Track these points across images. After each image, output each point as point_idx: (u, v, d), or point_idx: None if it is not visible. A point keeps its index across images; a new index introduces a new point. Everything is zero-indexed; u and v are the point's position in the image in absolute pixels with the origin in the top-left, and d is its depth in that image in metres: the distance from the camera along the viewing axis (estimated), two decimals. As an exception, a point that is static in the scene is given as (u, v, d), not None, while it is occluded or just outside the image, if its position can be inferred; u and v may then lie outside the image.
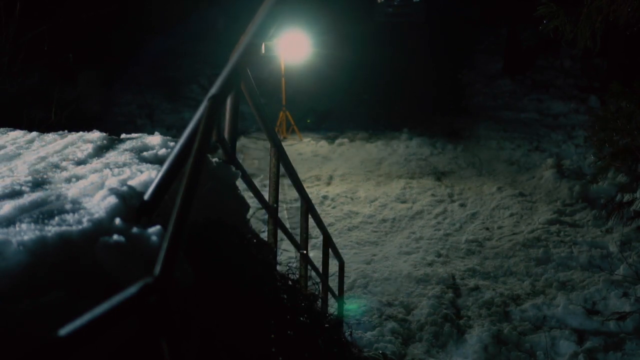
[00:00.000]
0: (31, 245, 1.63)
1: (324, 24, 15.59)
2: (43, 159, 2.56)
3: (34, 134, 3.10)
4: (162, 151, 2.66)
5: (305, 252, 4.19)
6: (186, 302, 1.69)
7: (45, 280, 1.56)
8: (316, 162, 12.17)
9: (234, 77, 2.01)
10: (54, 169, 2.45)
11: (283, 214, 9.01)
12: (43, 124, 7.16)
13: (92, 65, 13.61)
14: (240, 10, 12.26)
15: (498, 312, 6.96)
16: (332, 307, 5.91)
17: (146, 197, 1.96)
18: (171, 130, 12.75)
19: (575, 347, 6.22)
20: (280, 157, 3.59)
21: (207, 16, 18.75)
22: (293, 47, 12.93)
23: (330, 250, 5.35)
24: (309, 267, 4.33)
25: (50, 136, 3.02)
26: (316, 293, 3.77)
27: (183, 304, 1.63)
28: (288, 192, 9.08)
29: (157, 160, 2.56)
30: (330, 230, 7.22)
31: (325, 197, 10.33)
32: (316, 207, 4.92)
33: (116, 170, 2.37)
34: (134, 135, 2.98)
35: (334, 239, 6.49)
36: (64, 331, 1.06)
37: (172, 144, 2.77)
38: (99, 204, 1.97)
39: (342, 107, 14.92)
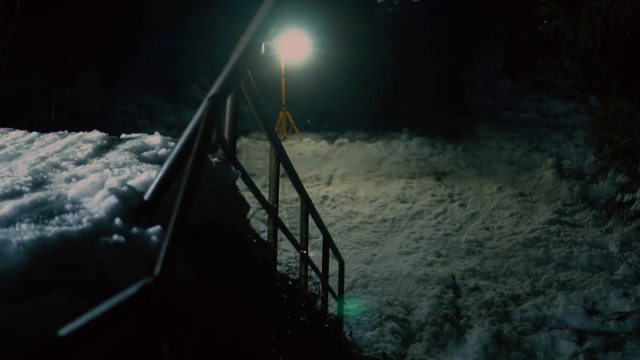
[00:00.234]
0: (31, 245, 1.63)
1: (324, 24, 15.59)
2: (43, 159, 2.56)
3: (34, 134, 3.10)
4: (162, 151, 2.66)
5: (305, 252, 4.19)
6: (186, 302, 1.69)
7: (45, 280, 1.56)
8: (316, 162, 12.18)
9: (234, 77, 2.01)
10: (54, 169, 2.45)
11: (283, 214, 9.01)
12: (43, 124, 7.16)
13: (92, 65, 13.61)
14: (240, 10, 12.27)
15: (498, 312, 6.96)
16: (332, 307, 5.91)
17: (146, 197, 1.96)
18: (171, 130, 12.75)
19: (575, 347, 6.22)
20: (280, 157, 3.59)
21: (207, 16, 18.75)
22: (293, 47, 12.92)
23: (330, 250, 5.35)
24: (309, 267, 4.33)
25: (50, 136, 3.02)
26: (316, 293, 3.77)
27: (183, 304, 1.63)
28: (288, 192, 9.07)
29: (157, 160, 2.56)
30: (330, 230, 7.22)
31: (325, 197, 10.33)
32: (316, 207, 4.92)
33: (116, 170, 2.37)
34: (134, 135, 2.98)
35: (334, 239, 6.49)
36: (64, 331, 1.06)
37: (172, 144, 2.77)
38: (99, 204, 1.97)
39: (342, 107, 14.91)
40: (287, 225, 5.86)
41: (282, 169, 3.68)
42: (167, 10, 17.27)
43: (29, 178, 2.30)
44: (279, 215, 3.61)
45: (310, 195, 4.58)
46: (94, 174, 2.30)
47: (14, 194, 2.11)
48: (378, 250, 8.60)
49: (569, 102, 14.54)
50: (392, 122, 13.98)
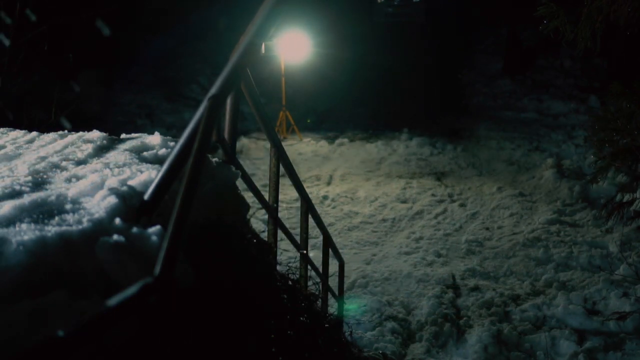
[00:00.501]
0: (31, 245, 1.63)
1: (324, 24, 15.57)
2: (43, 159, 2.56)
3: (34, 134, 3.10)
4: (162, 151, 2.66)
5: (305, 252, 4.19)
6: (186, 302, 1.69)
7: (45, 280, 1.56)
8: (316, 162, 12.17)
9: (234, 77, 2.01)
10: (54, 169, 2.45)
11: (283, 214, 9.01)
12: (43, 124, 7.15)
13: (92, 65, 13.61)
14: (241, 10, 12.26)
15: (498, 312, 6.96)
16: (332, 307, 5.91)
17: (146, 197, 1.96)
18: (171, 130, 12.75)
19: (575, 347, 6.22)
20: (280, 157, 3.59)
21: (207, 16, 18.74)
22: (293, 47, 12.92)
23: (330, 250, 5.35)
24: (309, 267, 4.33)
25: (50, 136, 3.02)
26: (316, 293, 3.77)
27: (183, 304, 1.63)
28: (288, 192, 9.07)
29: (157, 160, 2.56)
30: (330, 230, 7.22)
31: (325, 197, 10.33)
32: (316, 207, 4.92)
33: (116, 170, 2.37)
34: (134, 135, 2.98)
35: (334, 239, 6.49)
36: (64, 331, 1.06)
37: (172, 144, 2.77)
38: (99, 204, 1.97)
39: (342, 107, 14.91)
40: (287, 225, 5.86)
41: (282, 169, 3.68)
42: (167, 10, 17.26)
43: (29, 178, 2.30)
44: (279, 215, 3.61)
45: (310, 195, 4.58)
46: (94, 174, 2.31)
47: (14, 194, 2.11)
48: (378, 250, 8.60)
49: (569, 102, 14.54)
50: (392, 122, 13.97)
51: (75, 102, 8.74)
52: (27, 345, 1.16)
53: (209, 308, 1.90)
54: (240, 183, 2.82)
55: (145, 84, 15.24)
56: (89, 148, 2.72)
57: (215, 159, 2.69)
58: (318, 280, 4.63)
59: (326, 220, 8.47)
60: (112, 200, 2.00)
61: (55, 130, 3.25)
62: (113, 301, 1.14)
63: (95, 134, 2.93)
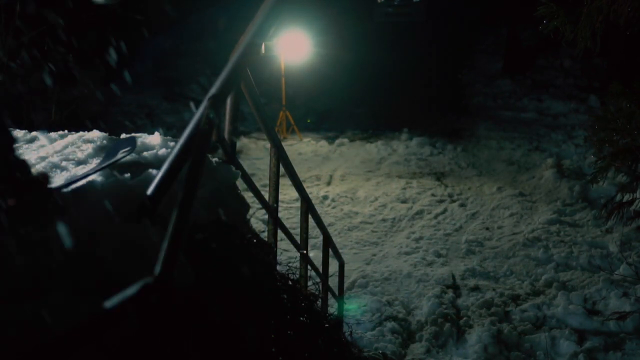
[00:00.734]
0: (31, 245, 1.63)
1: (324, 24, 15.57)
2: (43, 159, 2.56)
3: (34, 133, 3.10)
4: (162, 151, 2.66)
5: (305, 252, 4.19)
6: (186, 302, 1.69)
7: (45, 280, 1.56)
8: (316, 162, 12.17)
9: (234, 77, 2.01)
10: (54, 169, 2.46)
11: (283, 214, 9.01)
12: (43, 124, 7.15)
13: (92, 65, 13.59)
14: (241, 9, 12.26)
15: (498, 312, 6.96)
16: (332, 307, 5.91)
17: (146, 197, 1.96)
18: (171, 130, 12.74)
19: (575, 347, 6.22)
20: (280, 157, 3.59)
21: (207, 16, 18.74)
22: (293, 47, 12.92)
23: (330, 250, 5.35)
24: (309, 267, 4.33)
25: (50, 136, 3.02)
26: (316, 293, 3.77)
27: (183, 304, 1.63)
28: (288, 192, 9.07)
29: (157, 160, 2.56)
30: (330, 230, 7.22)
31: (325, 197, 10.33)
32: (316, 207, 4.92)
33: (116, 170, 2.37)
34: (134, 135, 2.98)
35: (334, 239, 6.49)
36: (64, 331, 1.06)
37: (172, 144, 2.77)
38: (99, 204, 1.97)
39: (342, 107, 14.91)
40: (287, 225, 5.86)
41: (282, 169, 3.68)
42: (167, 10, 17.25)
43: (29, 178, 2.29)
44: (279, 215, 3.61)
45: (310, 195, 4.58)
46: (94, 174, 2.31)
47: (14, 194, 2.11)
48: (378, 250, 8.60)
49: (569, 102, 14.54)
50: (392, 122, 13.97)
51: (75, 102, 8.74)
52: (27, 345, 1.16)
53: (209, 308, 1.90)
54: (240, 183, 2.82)
55: (145, 84, 15.24)
56: (89, 148, 2.72)
57: (215, 159, 2.69)
58: (318, 280, 4.63)
59: (326, 220, 8.47)
60: (112, 200, 2.00)
61: (55, 130, 3.25)
62: (113, 301, 1.14)
63: (95, 134, 2.93)
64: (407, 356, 6.29)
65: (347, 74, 15.62)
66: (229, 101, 2.81)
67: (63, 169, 2.48)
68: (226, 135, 2.86)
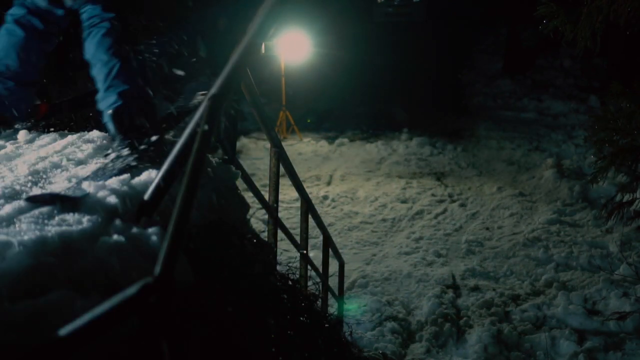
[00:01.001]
0: (31, 245, 1.64)
1: (324, 24, 15.56)
2: (43, 159, 2.56)
3: (34, 134, 3.10)
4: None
5: (305, 252, 4.19)
6: (186, 302, 1.69)
7: (45, 280, 1.56)
8: (316, 162, 12.17)
9: (234, 77, 2.01)
10: (54, 169, 2.45)
11: (283, 214, 9.00)
12: (43, 124, 7.13)
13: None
14: (240, 10, 12.25)
15: (498, 312, 6.96)
16: (332, 307, 5.91)
17: (146, 197, 1.96)
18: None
19: (576, 347, 6.22)
20: (280, 157, 3.59)
21: (207, 16, 18.73)
22: (293, 47, 12.92)
23: (330, 250, 5.35)
24: (309, 267, 4.34)
25: (50, 136, 3.02)
26: (316, 293, 3.77)
27: (183, 304, 1.63)
28: (288, 192, 9.07)
29: (157, 160, 2.56)
30: (330, 230, 7.22)
31: (325, 197, 10.33)
32: (316, 207, 4.92)
33: (116, 170, 2.37)
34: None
35: (334, 239, 6.49)
36: (64, 331, 1.06)
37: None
38: (99, 204, 1.97)
39: (342, 107, 14.91)
40: (287, 225, 5.87)
41: (282, 169, 3.68)
42: (167, 10, 17.24)
43: (29, 178, 2.30)
44: (279, 215, 3.61)
45: (310, 195, 4.58)
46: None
47: (14, 194, 2.12)
48: (378, 250, 8.60)
49: (569, 102, 14.54)
50: (392, 122, 13.98)
51: (74, 102, 8.72)
52: (27, 345, 1.16)
53: (209, 308, 1.90)
54: (240, 183, 2.82)
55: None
56: (89, 148, 2.72)
57: (215, 159, 2.69)
58: (318, 280, 4.63)
59: (326, 220, 8.47)
60: (112, 200, 2.00)
61: (55, 130, 3.25)
62: (113, 301, 1.14)
63: (95, 134, 2.93)
64: (407, 356, 6.29)
65: (347, 74, 15.62)
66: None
67: (63, 169, 2.48)
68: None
